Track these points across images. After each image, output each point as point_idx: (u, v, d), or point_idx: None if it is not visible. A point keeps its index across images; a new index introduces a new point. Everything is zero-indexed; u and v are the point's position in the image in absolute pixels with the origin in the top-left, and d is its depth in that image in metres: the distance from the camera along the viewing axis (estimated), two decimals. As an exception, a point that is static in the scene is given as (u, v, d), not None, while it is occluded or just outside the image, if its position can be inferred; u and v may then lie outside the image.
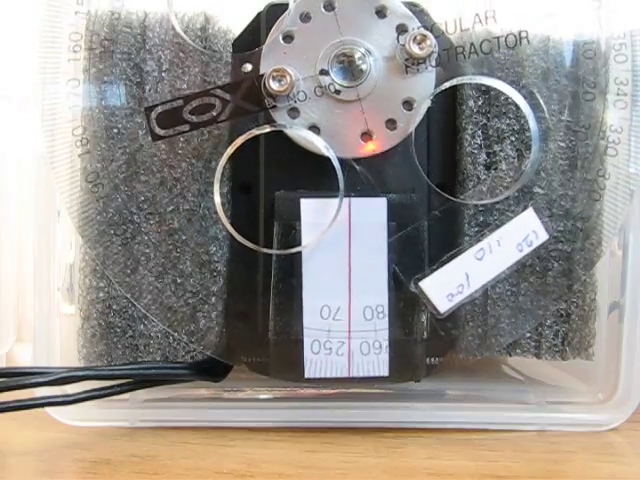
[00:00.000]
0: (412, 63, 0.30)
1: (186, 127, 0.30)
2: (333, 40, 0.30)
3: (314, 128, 0.30)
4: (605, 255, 0.32)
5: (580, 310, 0.32)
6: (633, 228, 0.33)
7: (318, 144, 0.30)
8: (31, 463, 0.30)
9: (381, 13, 0.30)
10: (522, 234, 0.31)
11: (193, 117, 0.29)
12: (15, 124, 0.40)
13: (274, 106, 0.30)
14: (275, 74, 0.30)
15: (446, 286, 0.30)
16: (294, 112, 0.30)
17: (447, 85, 0.30)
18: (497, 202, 0.31)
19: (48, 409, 0.32)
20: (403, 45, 0.30)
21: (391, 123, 0.30)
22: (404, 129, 0.30)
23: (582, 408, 0.34)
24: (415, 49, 0.30)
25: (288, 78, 0.29)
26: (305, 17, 0.30)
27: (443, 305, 0.30)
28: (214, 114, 0.29)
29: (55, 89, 0.31)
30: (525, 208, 0.31)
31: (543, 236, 0.31)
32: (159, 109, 0.30)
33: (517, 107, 0.31)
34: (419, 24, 0.30)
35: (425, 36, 0.30)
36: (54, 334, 0.33)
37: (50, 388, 0.30)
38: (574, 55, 0.31)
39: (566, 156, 0.31)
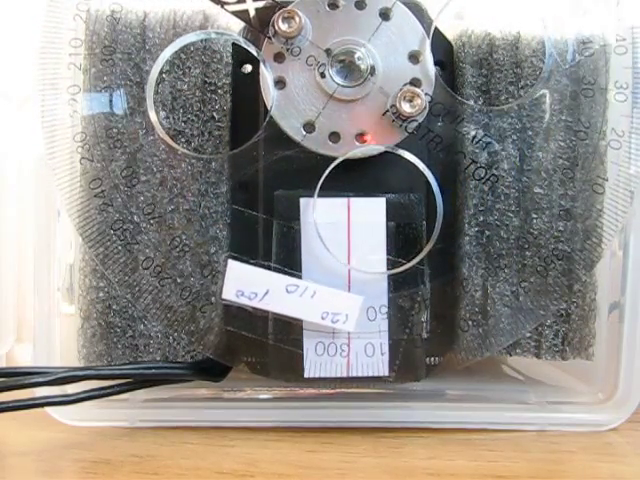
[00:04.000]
0: (394, 112, 0.30)
1: None
2: (360, 39, 0.30)
3: (281, 82, 0.31)
4: (605, 255, 0.32)
5: (580, 310, 0.32)
6: (633, 228, 0.33)
7: (270, 99, 0.30)
8: (31, 463, 0.30)
9: (414, 58, 0.31)
10: (336, 308, 0.30)
11: None
12: (15, 124, 0.40)
13: (270, 38, 0.30)
14: (287, 14, 0.30)
15: (245, 283, 0.30)
16: (279, 57, 0.31)
17: (398, 152, 0.30)
18: (498, 202, 0.31)
19: (48, 409, 0.32)
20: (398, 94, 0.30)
21: (334, 136, 0.30)
22: (339, 149, 0.30)
23: (582, 408, 0.34)
24: (404, 105, 0.30)
25: (296, 25, 0.30)
26: (359, 3, 0.30)
27: (228, 294, 0.30)
28: (223, 0, 0.30)
29: (55, 89, 0.31)
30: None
31: (350, 326, 0.30)
32: None
33: (518, 107, 0.31)
34: (430, 92, 0.30)
35: (420, 98, 0.30)
36: (54, 334, 0.33)
37: (50, 388, 0.30)
38: (574, 55, 0.31)
39: (566, 156, 0.31)
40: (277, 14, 0.30)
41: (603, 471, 0.29)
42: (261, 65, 0.31)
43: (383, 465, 0.29)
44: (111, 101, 0.31)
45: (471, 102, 0.31)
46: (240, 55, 0.31)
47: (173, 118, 0.31)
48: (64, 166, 0.31)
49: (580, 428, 0.33)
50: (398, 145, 0.31)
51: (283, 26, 0.30)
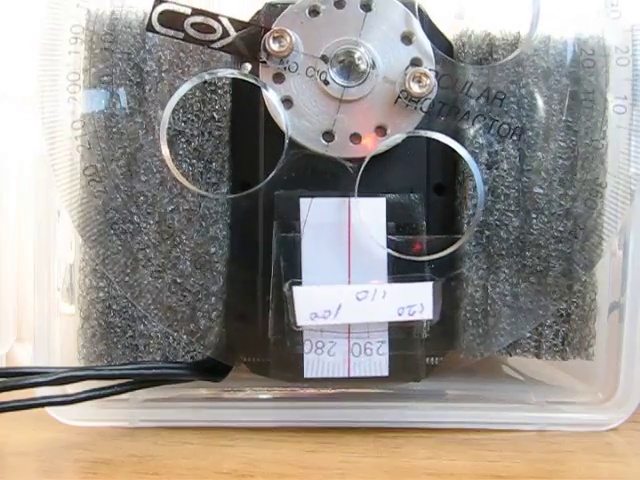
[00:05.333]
0: (405, 97, 0.30)
1: (180, 35, 0.30)
2: (350, 37, 0.30)
3: (288, 101, 0.30)
4: (605, 255, 0.32)
5: (580, 310, 0.32)
6: (633, 228, 0.33)
7: (282, 117, 0.30)
8: (31, 463, 0.30)
9: (407, 39, 0.31)
10: (409, 301, 0.30)
11: (191, 30, 0.29)
12: (15, 124, 0.40)
13: (265, 62, 0.30)
14: (277, 34, 0.30)
15: (315, 304, 0.30)
16: (279, 78, 0.30)
17: (420, 133, 0.30)
18: (497, 202, 0.31)
19: (48, 409, 0.32)
20: (406, 76, 0.30)
21: (356, 137, 0.30)
22: (363, 149, 0.30)
23: (582, 408, 0.34)
24: (414, 86, 0.30)
25: (287, 40, 0.30)
26: (338, 3, 0.30)
27: (303, 319, 0.30)
28: (211, 38, 0.30)
29: (55, 89, 0.31)
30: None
31: (428, 314, 0.30)
32: (166, 6, 0.30)
33: (519, 106, 0.31)
34: (433, 66, 0.30)
35: (427, 77, 0.30)
36: (54, 334, 0.33)
37: (50, 388, 0.30)
38: (574, 55, 0.31)
39: (566, 156, 0.31)
40: (266, 36, 0.30)
41: (603, 471, 0.29)
42: (263, 91, 0.30)
43: (383, 465, 0.29)
44: (111, 101, 0.31)
45: (472, 102, 0.31)
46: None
47: (173, 118, 0.31)
48: (64, 166, 0.31)
49: (580, 428, 0.33)
50: (417, 127, 0.31)
51: (274, 46, 0.30)
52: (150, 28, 0.30)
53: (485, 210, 0.31)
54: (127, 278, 0.31)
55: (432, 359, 0.32)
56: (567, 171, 0.31)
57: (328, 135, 0.31)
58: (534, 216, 0.31)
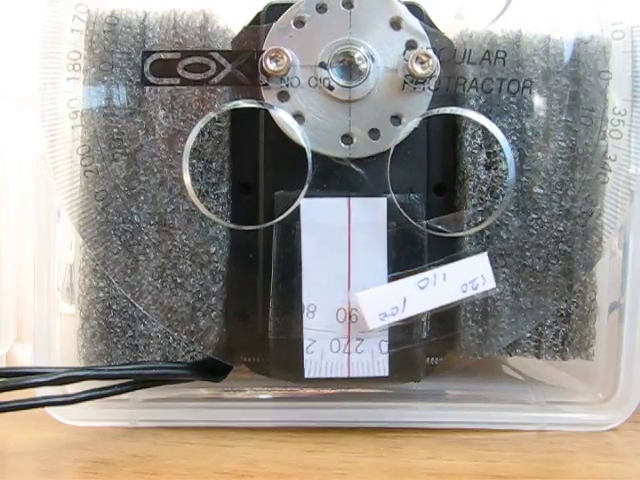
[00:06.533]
0: (411, 81, 0.30)
1: (177, 81, 0.30)
2: (341, 37, 0.30)
3: (299, 117, 0.30)
4: (605, 255, 0.32)
5: (580, 310, 0.32)
6: (633, 228, 0.33)
7: (298, 134, 0.30)
8: (31, 463, 0.30)
9: (396, 25, 0.30)
10: (470, 276, 0.30)
11: (187, 73, 0.29)
12: (15, 124, 0.40)
13: (266, 84, 0.30)
14: (273, 54, 0.30)
15: (381, 304, 0.30)
16: (284, 96, 0.30)
17: (440, 111, 0.30)
18: (497, 202, 0.31)
19: (48, 409, 0.32)
20: (407, 61, 0.30)
21: (374, 133, 0.30)
22: (386, 142, 0.30)
23: (582, 408, 0.34)
24: (417, 68, 0.30)
25: (285, 59, 0.30)
26: (321, 7, 0.30)
27: (373, 322, 0.30)
28: (207, 75, 0.30)
29: (55, 89, 0.31)
30: (483, 251, 0.31)
31: (490, 284, 0.30)
32: (155, 56, 0.30)
33: (518, 107, 0.31)
34: (429, 45, 0.30)
35: (429, 57, 0.30)
36: (54, 334, 0.33)
37: (50, 388, 0.30)
38: (574, 55, 0.31)
39: (566, 156, 0.31)
40: (262, 58, 0.30)
41: (603, 471, 0.29)
42: (272, 113, 0.30)
43: (383, 465, 0.29)
44: (111, 101, 0.31)
45: (471, 102, 0.31)
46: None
47: (173, 118, 0.31)
48: (64, 166, 0.31)
49: (580, 428, 0.33)
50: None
51: (272, 66, 0.30)
52: (146, 82, 0.30)
53: (485, 210, 0.31)
54: (127, 278, 0.31)
55: (432, 359, 0.32)
56: (567, 171, 0.31)
57: (347, 138, 0.30)
58: (534, 216, 0.31)
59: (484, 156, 0.31)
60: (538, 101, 0.31)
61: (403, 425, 0.32)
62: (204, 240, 0.31)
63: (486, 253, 0.30)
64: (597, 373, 0.34)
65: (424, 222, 0.31)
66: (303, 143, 0.30)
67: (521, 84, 0.31)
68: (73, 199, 0.31)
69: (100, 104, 0.31)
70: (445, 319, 0.31)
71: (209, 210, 0.31)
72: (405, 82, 0.30)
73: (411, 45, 0.30)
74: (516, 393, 0.34)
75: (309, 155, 0.30)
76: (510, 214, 0.31)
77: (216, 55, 0.30)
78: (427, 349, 0.32)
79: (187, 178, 0.30)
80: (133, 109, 0.31)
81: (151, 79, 0.30)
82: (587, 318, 0.32)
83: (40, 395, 0.31)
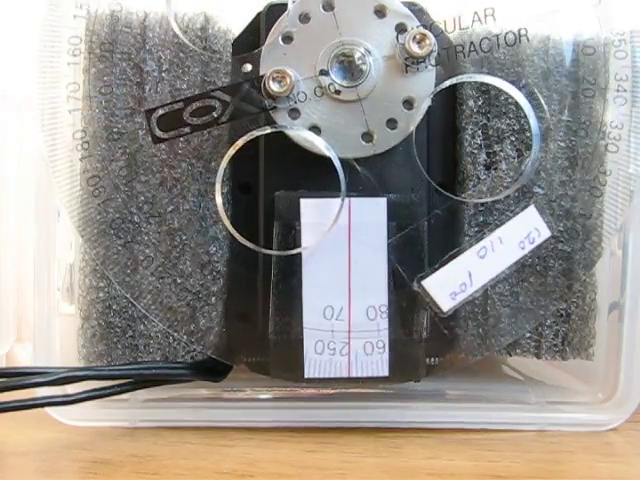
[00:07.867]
0: (412, 62, 0.30)
1: (187, 129, 0.30)
2: (332, 40, 0.30)
3: (315, 128, 0.30)
4: (605, 255, 0.32)
5: (580, 310, 0.32)
6: (633, 228, 0.33)
7: (319, 145, 0.30)
8: (31, 463, 0.30)
9: (380, 13, 0.30)
10: (524, 232, 0.31)
11: (194, 119, 0.29)
12: (15, 124, 0.40)
13: (274, 107, 0.30)
14: (275, 75, 0.30)
15: (449, 284, 0.30)
16: (295, 113, 0.30)
17: (447, 84, 0.30)
18: (497, 202, 0.31)
19: (48, 409, 0.32)
20: (403, 44, 0.30)
21: (391, 123, 0.30)
22: (404, 128, 0.30)
23: (582, 408, 0.34)
24: (415, 48, 0.30)
25: (288, 79, 0.29)
26: (304, 18, 0.30)
27: (446, 304, 0.30)
28: (214, 116, 0.30)
29: (55, 89, 0.31)
30: (525, 207, 0.31)
31: (545, 233, 0.31)
32: (160, 111, 0.30)
33: (517, 107, 0.31)
34: (418, 23, 0.30)
35: (425, 35, 0.30)
36: (54, 334, 0.33)
37: (50, 388, 0.31)
38: (574, 55, 0.31)
39: (566, 156, 0.31)
40: (265, 82, 0.29)
41: (603, 471, 0.29)
42: (288, 133, 0.30)
43: (383, 465, 0.29)
44: (111, 101, 0.31)
45: (470, 102, 0.31)
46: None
47: (173, 118, 0.31)
48: (64, 166, 0.31)
49: (580, 428, 0.33)
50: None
51: (276, 87, 0.29)
52: (156, 139, 0.30)
53: (485, 210, 0.31)
54: (127, 278, 0.31)
55: (432, 359, 0.32)
56: (567, 171, 0.31)
57: (367, 136, 0.30)
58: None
59: (484, 156, 0.31)
60: (539, 101, 0.31)
61: (403, 425, 0.32)
62: (204, 240, 0.31)
63: (533, 206, 0.31)
64: (597, 373, 0.34)
65: (424, 222, 0.31)
66: (327, 153, 0.30)
67: (516, 34, 0.31)
68: (73, 199, 0.31)
69: (100, 104, 0.31)
70: (445, 319, 0.31)
71: (208, 210, 0.31)
72: (406, 65, 0.30)
73: (401, 28, 0.30)
74: (516, 393, 0.34)
75: (337, 164, 0.30)
76: (510, 214, 0.31)
77: (218, 93, 0.29)
78: (427, 349, 0.32)
79: (219, 199, 0.30)
80: (133, 109, 0.31)
81: (161, 135, 0.30)
82: (587, 318, 0.32)
83: (40, 395, 0.31)
